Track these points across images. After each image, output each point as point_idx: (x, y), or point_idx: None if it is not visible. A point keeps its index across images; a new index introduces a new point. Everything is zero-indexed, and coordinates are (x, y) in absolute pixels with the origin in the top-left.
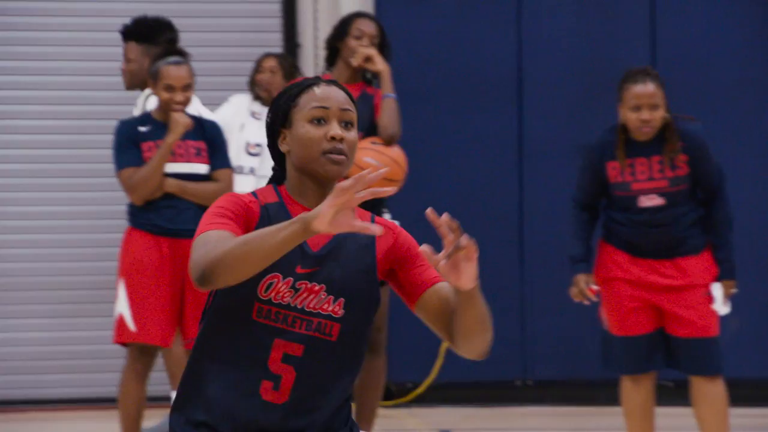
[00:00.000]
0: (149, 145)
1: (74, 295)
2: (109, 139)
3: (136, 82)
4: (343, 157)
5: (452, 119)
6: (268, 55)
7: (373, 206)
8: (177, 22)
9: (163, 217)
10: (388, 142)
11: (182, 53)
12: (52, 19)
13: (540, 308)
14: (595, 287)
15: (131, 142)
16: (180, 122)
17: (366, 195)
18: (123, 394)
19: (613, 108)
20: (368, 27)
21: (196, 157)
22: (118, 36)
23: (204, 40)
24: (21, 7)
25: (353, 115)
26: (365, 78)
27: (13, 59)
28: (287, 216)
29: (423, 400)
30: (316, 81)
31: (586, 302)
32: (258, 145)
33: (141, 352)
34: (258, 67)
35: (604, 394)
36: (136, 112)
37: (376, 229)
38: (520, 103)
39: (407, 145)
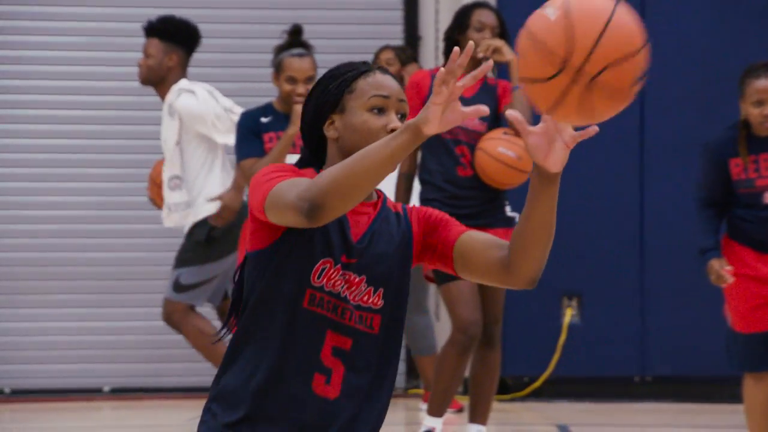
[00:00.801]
0: (270, 135)
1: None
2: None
3: (152, 77)
4: None
5: None
6: (385, 48)
7: (494, 200)
8: (298, 15)
9: None
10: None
11: (305, 45)
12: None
13: (659, 305)
14: (729, 267)
15: (252, 133)
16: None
17: (468, 81)
18: None
19: (736, 104)
20: (489, 18)
21: None
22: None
23: (325, 32)
24: None
25: (407, 107)
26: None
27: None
28: None
29: (540, 395)
30: (370, 67)
31: (724, 285)
32: None
33: None
34: (375, 60)
35: (722, 391)
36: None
37: (483, 109)
38: (641, 99)
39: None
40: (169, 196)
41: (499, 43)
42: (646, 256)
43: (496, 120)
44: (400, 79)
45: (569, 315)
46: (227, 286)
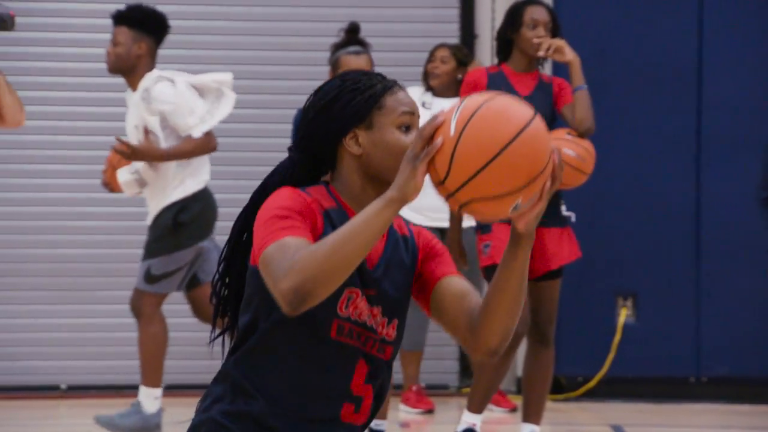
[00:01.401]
0: None
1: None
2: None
3: (120, 66)
4: None
5: (629, 112)
6: (441, 46)
7: (552, 199)
8: (356, 13)
9: None
10: (584, 134)
11: (362, 43)
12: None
13: (715, 305)
14: None
15: None
16: None
17: (434, 150)
18: None
19: None
20: (541, 15)
21: None
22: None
23: (382, 30)
24: None
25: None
26: (539, 65)
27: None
28: None
29: (594, 395)
30: (393, 82)
31: None
32: None
33: None
34: (431, 57)
35: None
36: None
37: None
38: (699, 96)
39: None
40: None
41: (560, 42)
42: (702, 255)
43: (552, 118)
44: (459, 81)
45: (624, 315)
46: (201, 274)
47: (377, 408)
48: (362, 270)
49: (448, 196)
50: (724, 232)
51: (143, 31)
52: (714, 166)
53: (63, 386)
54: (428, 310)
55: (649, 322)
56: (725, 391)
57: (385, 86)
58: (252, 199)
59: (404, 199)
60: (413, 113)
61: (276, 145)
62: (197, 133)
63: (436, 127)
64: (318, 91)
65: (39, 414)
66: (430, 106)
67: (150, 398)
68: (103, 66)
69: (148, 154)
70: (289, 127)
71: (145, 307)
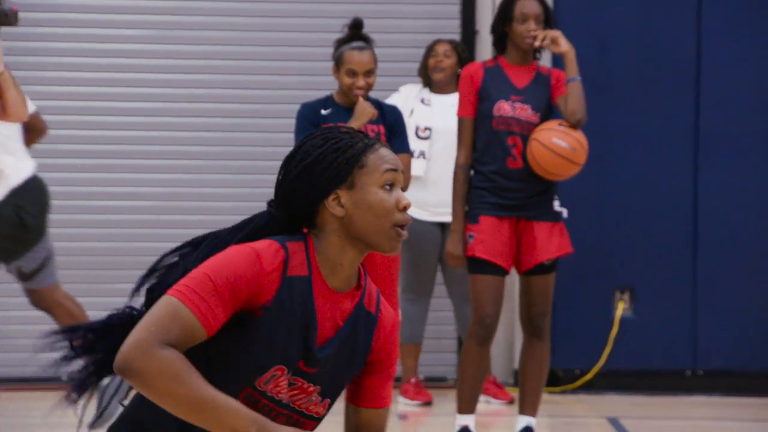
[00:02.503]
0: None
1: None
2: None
3: None
4: (406, 233)
5: (628, 107)
6: (440, 41)
7: (543, 194)
8: (358, 9)
9: None
10: (576, 125)
11: (366, 39)
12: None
13: (712, 299)
14: None
15: (312, 125)
16: (367, 111)
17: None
18: None
19: None
20: (532, 8)
21: None
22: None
23: (382, 26)
24: None
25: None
26: (536, 57)
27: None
28: (308, 303)
29: (591, 387)
30: (373, 140)
31: None
32: (427, 129)
33: None
34: (430, 52)
35: None
36: None
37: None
38: (697, 91)
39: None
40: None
41: (555, 33)
42: (699, 249)
43: (549, 110)
44: (458, 76)
45: (621, 308)
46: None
47: None
48: (308, 348)
49: None
50: (721, 226)
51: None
52: (712, 161)
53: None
54: (348, 402)
55: (646, 316)
56: (721, 383)
57: (366, 144)
58: (220, 235)
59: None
60: (396, 170)
61: (277, 140)
62: None
63: None
64: (298, 150)
65: (45, 405)
66: (429, 103)
67: None
68: (100, 62)
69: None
70: (290, 122)
71: (41, 302)
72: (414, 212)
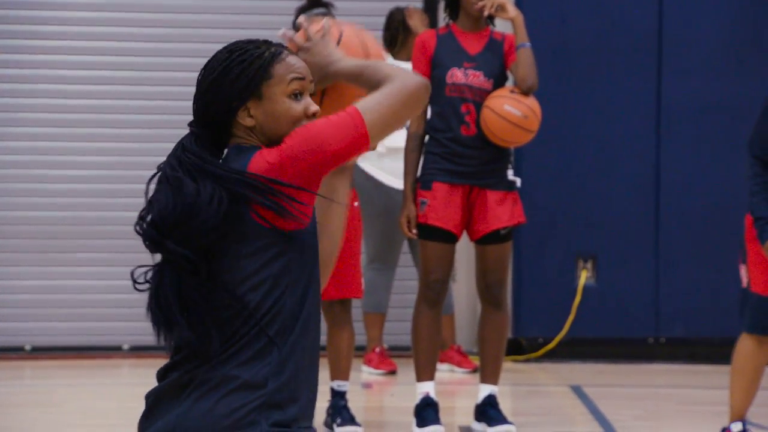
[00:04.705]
0: None
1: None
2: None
3: None
4: None
5: (589, 77)
6: (410, 8)
7: (497, 161)
8: None
9: None
10: (527, 92)
11: (327, 5)
12: None
13: (674, 267)
14: None
15: None
16: None
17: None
18: None
19: (757, 69)
20: None
21: None
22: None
23: None
24: None
25: (313, 86)
26: (489, 23)
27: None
28: None
29: (554, 356)
30: (280, 48)
31: None
32: None
33: None
34: (407, 17)
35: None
36: None
37: None
38: (659, 61)
39: (542, 103)
40: None
41: (502, 0)
42: (661, 218)
43: (502, 76)
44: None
45: (584, 277)
46: None
47: None
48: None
49: None
50: (683, 195)
51: None
52: (674, 130)
53: (27, 347)
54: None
55: (609, 284)
56: (683, 351)
57: (272, 54)
58: (168, 168)
59: None
60: (303, 78)
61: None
62: None
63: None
64: (207, 65)
65: (4, 375)
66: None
67: None
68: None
69: None
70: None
71: None
72: (393, 182)
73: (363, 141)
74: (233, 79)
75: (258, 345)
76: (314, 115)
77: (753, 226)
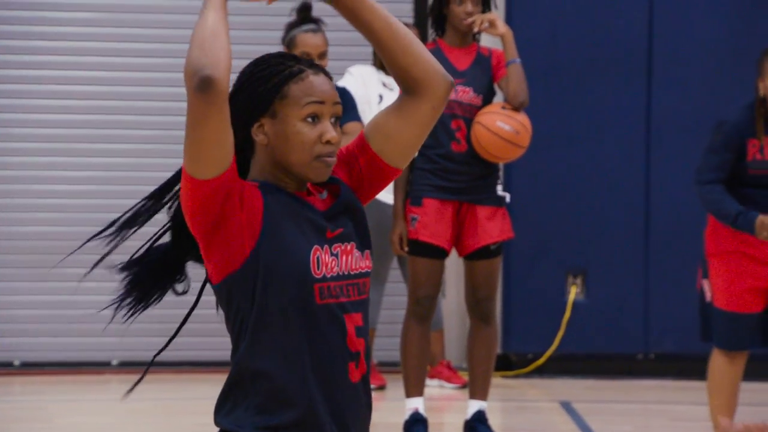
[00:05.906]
0: None
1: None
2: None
3: None
4: (335, 159)
5: (579, 92)
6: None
7: (486, 177)
8: None
9: None
10: (518, 108)
11: (317, 21)
12: None
13: (664, 283)
14: None
15: None
16: None
17: None
18: None
19: (746, 82)
20: None
21: None
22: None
23: (332, 9)
24: None
25: (341, 109)
26: (475, 39)
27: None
28: (287, 195)
29: (543, 371)
30: (302, 66)
31: None
32: None
33: None
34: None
35: None
36: None
37: None
38: (649, 77)
39: (533, 118)
40: None
41: (491, 16)
42: (651, 233)
43: (491, 91)
44: None
45: (574, 292)
46: None
47: (368, 353)
48: (319, 214)
49: None
50: (673, 210)
51: None
52: (663, 146)
53: (16, 362)
54: (389, 165)
55: (599, 300)
56: (673, 367)
57: (291, 73)
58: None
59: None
60: (322, 102)
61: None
62: None
63: None
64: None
65: None
66: (392, 87)
67: None
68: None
69: None
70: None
71: None
72: (385, 197)
73: (187, 177)
74: (251, 93)
75: (245, 355)
76: (329, 142)
77: (732, 225)
